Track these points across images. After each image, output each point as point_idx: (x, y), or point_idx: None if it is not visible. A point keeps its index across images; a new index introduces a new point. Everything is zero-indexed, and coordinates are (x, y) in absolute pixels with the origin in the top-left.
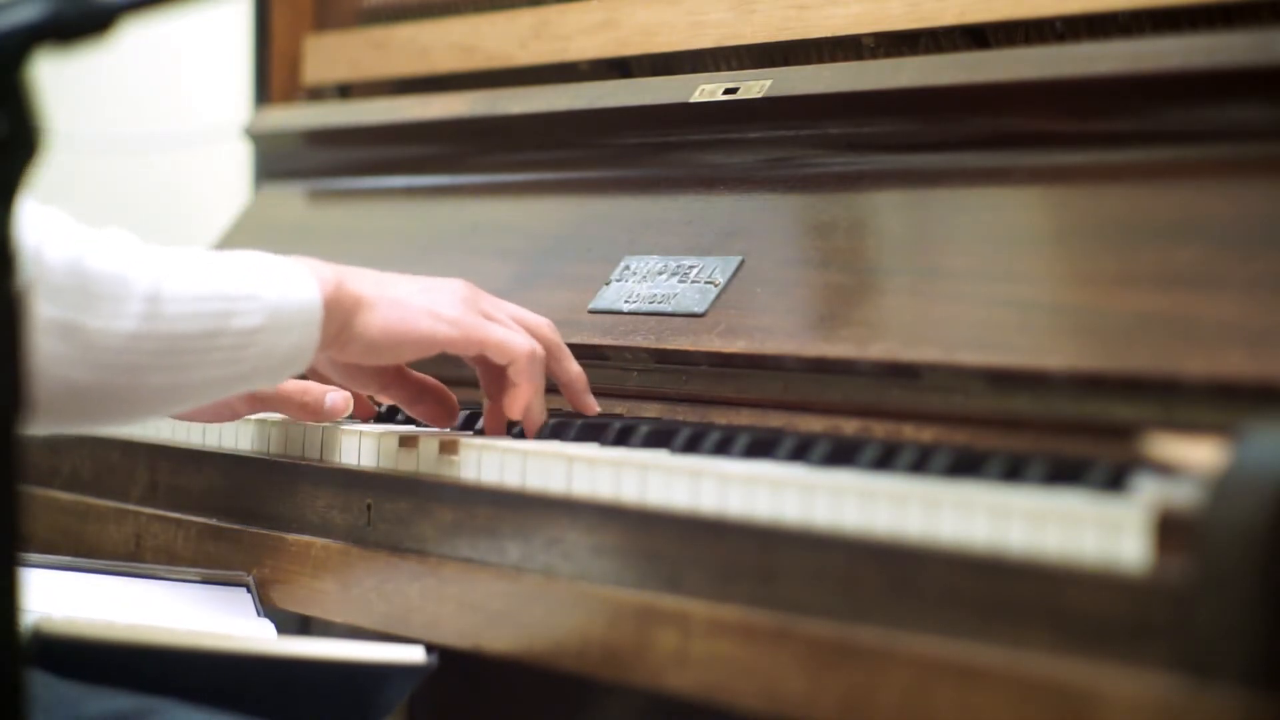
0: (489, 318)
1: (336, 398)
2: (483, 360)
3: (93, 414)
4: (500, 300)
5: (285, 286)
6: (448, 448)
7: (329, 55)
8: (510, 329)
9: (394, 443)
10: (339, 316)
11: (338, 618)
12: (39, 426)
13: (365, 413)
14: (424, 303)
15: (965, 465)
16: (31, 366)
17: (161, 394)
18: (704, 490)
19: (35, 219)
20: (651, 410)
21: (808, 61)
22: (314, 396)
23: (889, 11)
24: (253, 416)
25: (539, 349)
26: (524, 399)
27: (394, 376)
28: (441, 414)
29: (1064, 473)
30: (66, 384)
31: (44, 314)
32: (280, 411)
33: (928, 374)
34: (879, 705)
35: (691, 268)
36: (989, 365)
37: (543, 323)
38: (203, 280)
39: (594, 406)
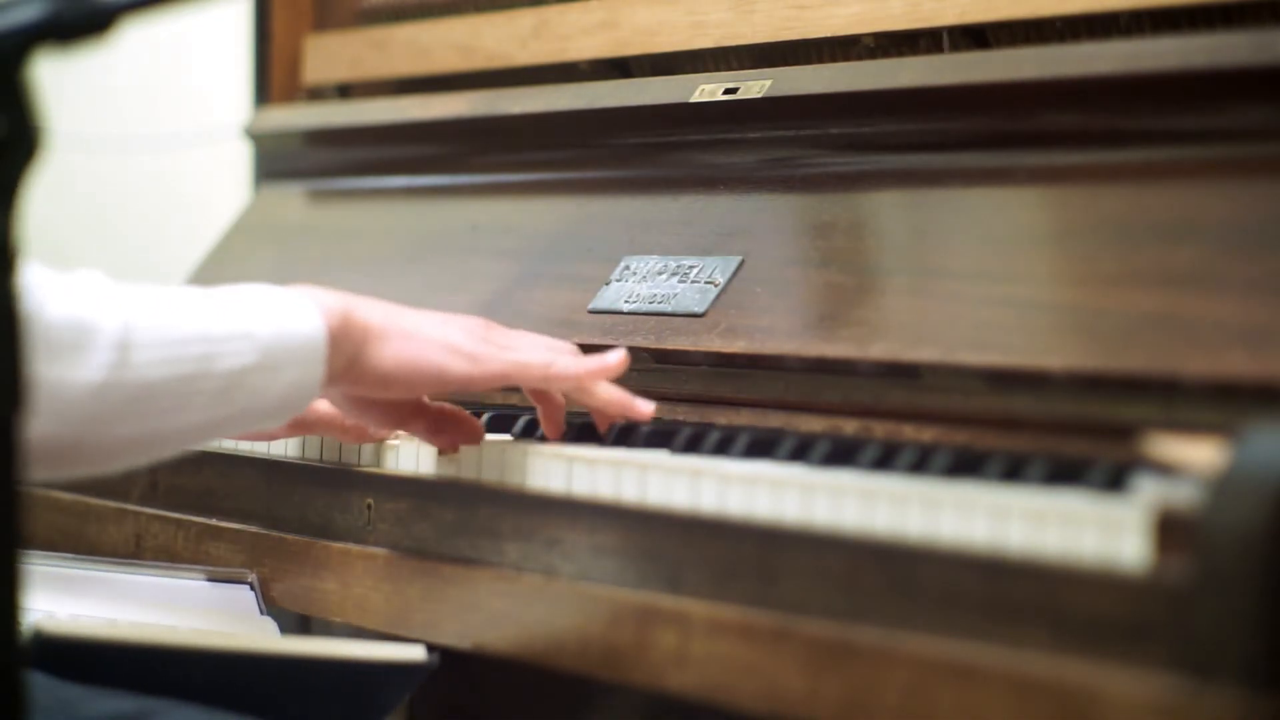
0: (504, 348)
1: None
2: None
3: (56, 467)
4: (514, 331)
5: (284, 320)
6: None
7: (329, 55)
8: (524, 351)
9: (393, 443)
10: (347, 349)
11: (338, 617)
12: None
13: None
14: (438, 335)
15: (965, 465)
16: None
17: (134, 444)
18: (704, 490)
19: None
20: None
21: (808, 61)
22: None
23: (889, 11)
24: None
25: (557, 358)
26: (607, 400)
27: (413, 410)
28: (467, 441)
29: (1064, 473)
30: (32, 439)
31: None
32: (324, 434)
33: (928, 374)
34: (879, 705)
35: (691, 268)
36: (989, 365)
37: (560, 344)
38: (182, 321)
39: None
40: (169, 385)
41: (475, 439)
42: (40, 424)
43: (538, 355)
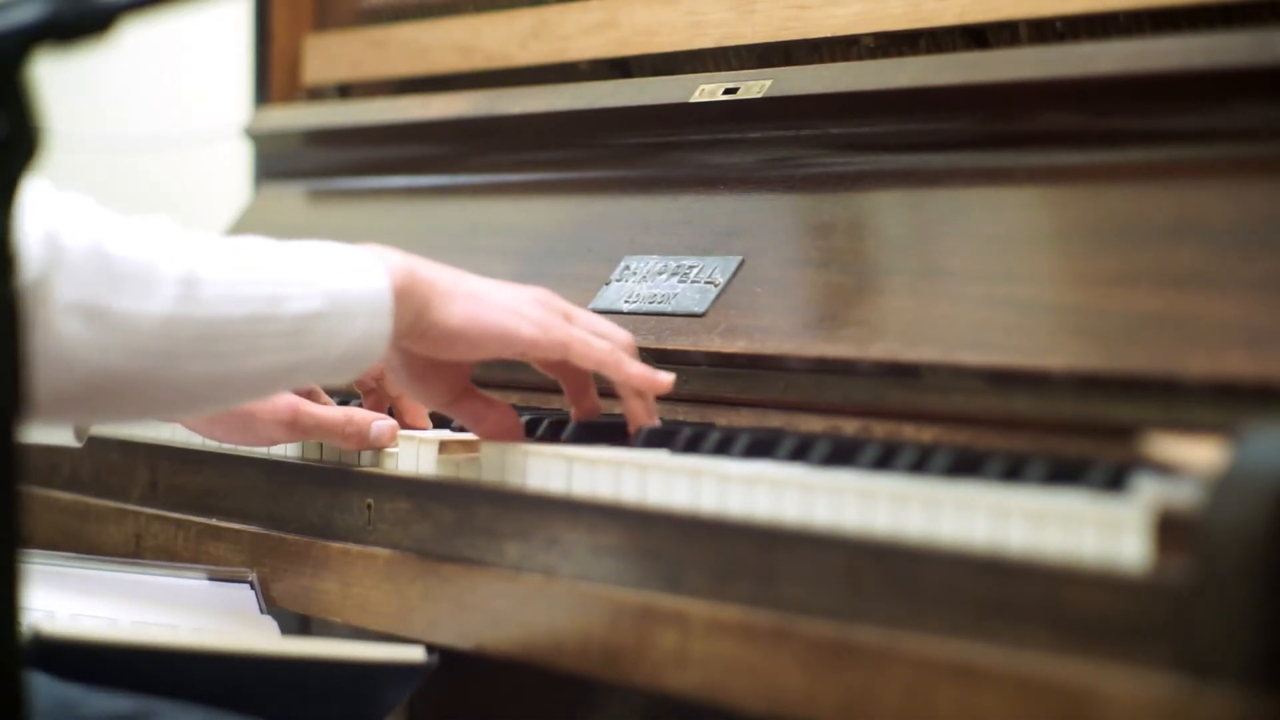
0: (571, 321)
1: (383, 427)
2: (563, 365)
3: (130, 405)
4: (578, 309)
5: (347, 274)
6: (447, 448)
7: (329, 55)
8: (589, 329)
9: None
10: (413, 304)
11: (338, 617)
12: (75, 419)
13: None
14: (505, 300)
15: (965, 465)
16: (55, 352)
17: (206, 385)
18: (704, 490)
19: (52, 204)
20: None
21: (808, 61)
22: (358, 426)
23: (889, 11)
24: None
25: (620, 353)
26: (635, 409)
27: (463, 390)
28: (509, 434)
29: (1064, 473)
30: (98, 371)
31: (64, 296)
32: (324, 440)
33: (928, 374)
34: (879, 705)
35: (691, 268)
36: (989, 365)
37: (622, 333)
38: (247, 265)
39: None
40: (237, 324)
41: (516, 434)
42: (110, 357)
43: (602, 341)
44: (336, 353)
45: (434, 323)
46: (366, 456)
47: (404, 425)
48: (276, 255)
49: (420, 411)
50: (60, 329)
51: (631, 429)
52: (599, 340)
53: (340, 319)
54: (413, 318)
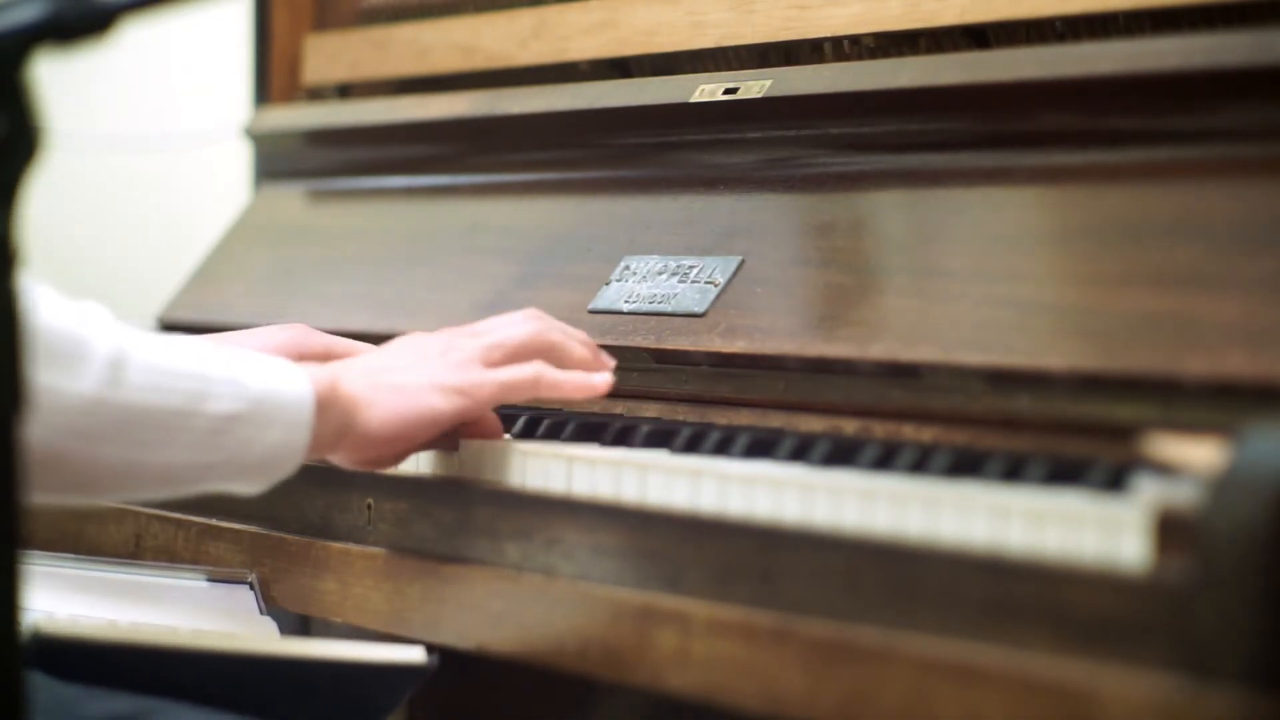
0: (489, 361)
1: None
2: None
3: (41, 486)
4: (482, 324)
5: (271, 378)
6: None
7: (329, 55)
8: (515, 371)
9: None
10: (334, 418)
11: (338, 617)
12: None
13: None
14: (423, 378)
15: (965, 465)
16: None
17: (119, 472)
18: (704, 490)
19: None
20: (651, 410)
21: (808, 61)
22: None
23: (889, 11)
24: None
25: (543, 372)
26: (570, 389)
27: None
28: (486, 431)
29: (1064, 473)
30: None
31: None
32: None
33: (928, 374)
34: (879, 705)
35: (691, 268)
36: (989, 365)
37: (524, 326)
38: (177, 356)
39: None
40: (158, 414)
41: (496, 433)
42: (36, 431)
43: (525, 372)
44: (251, 459)
45: (365, 434)
46: None
47: None
48: (204, 353)
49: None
50: None
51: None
52: (522, 369)
53: (260, 425)
54: (335, 431)
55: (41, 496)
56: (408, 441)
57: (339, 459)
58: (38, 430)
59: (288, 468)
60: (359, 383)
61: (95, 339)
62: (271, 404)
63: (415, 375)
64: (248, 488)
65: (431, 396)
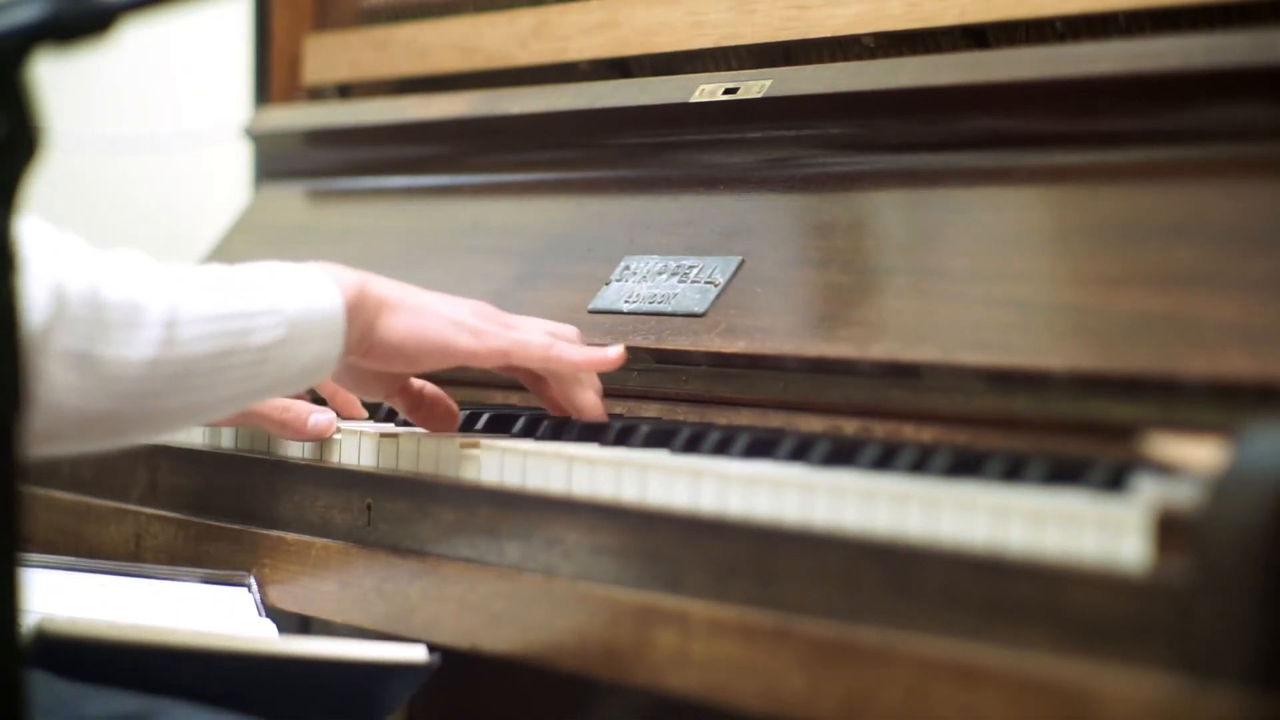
0: (510, 329)
1: (321, 420)
2: (518, 371)
3: (104, 438)
4: (518, 316)
5: (308, 296)
6: (447, 448)
7: (329, 55)
8: (527, 332)
9: (393, 443)
10: (361, 322)
11: (338, 617)
12: (49, 450)
13: (354, 414)
14: (446, 311)
15: (965, 465)
16: (45, 398)
17: (177, 415)
18: (704, 490)
19: (54, 249)
20: (651, 410)
21: (808, 61)
22: (295, 414)
23: (889, 11)
24: None
25: (557, 342)
26: (579, 398)
27: (401, 386)
28: (443, 423)
29: (1064, 473)
30: (81, 413)
31: (59, 344)
32: (259, 426)
33: (928, 374)
34: (879, 705)
35: (691, 268)
36: (989, 365)
37: (565, 329)
38: (221, 299)
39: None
40: (210, 359)
41: (452, 419)
42: (95, 400)
43: (539, 337)
44: (292, 373)
45: (380, 339)
46: (367, 457)
47: (340, 415)
48: (243, 286)
49: (354, 400)
50: (52, 376)
51: (585, 418)
52: (536, 337)
53: (299, 343)
54: (360, 334)
55: (94, 444)
56: (413, 360)
57: (347, 361)
58: (105, 397)
59: (326, 373)
60: (388, 289)
61: (149, 302)
62: (309, 321)
63: (439, 307)
64: (288, 394)
65: (449, 328)
